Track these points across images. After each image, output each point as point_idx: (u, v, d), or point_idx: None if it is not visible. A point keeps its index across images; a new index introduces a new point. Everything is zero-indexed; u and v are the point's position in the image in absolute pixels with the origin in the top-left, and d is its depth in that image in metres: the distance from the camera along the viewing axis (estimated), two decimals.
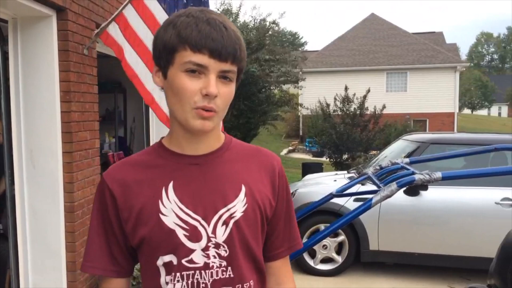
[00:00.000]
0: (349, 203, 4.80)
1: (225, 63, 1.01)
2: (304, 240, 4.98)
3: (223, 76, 1.03)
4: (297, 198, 5.15)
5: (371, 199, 1.89)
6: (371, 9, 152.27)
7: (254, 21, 12.95)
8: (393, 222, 4.87)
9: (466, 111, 51.06)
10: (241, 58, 1.05)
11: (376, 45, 26.40)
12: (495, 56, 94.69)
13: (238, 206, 1.09)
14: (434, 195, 4.67)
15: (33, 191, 3.42)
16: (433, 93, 24.16)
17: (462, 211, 4.78)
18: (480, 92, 52.44)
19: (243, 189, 1.11)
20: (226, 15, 12.47)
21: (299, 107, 16.70)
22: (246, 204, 1.10)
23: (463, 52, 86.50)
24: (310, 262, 5.02)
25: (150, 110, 6.45)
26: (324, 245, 4.97)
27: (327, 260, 5.07)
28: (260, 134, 17.19)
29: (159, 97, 3.63)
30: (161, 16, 3.66)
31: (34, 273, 3.47)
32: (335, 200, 4.20)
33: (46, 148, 3.39)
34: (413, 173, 1.98)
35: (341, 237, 4.97)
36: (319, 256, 5.01)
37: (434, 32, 32.27)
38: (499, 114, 59.05)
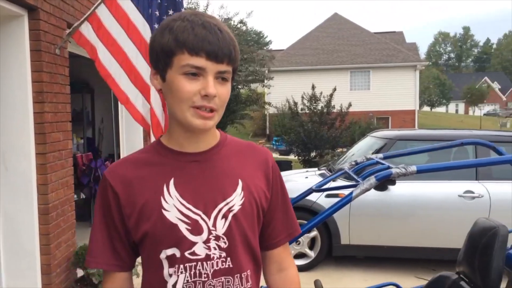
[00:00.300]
0: (321, 200, 4.93)
1: (222, 64, 1.07)
2: None
3: (220, 77, 1.08)
4: None
5: (351, 192, 1.98)
6: (334, 8, 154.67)
7: (221, 20, 12.97)
8: (363, 216, 5.02)
9: (426, 108, 52.73)
10: (236, 58, 1.11)
11: (340, 44, 26.91)
12: (452, 55, 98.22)
13: (236, 200, 1.15)
14: (401, 189, 4.85)
15: (5, 193, 3.35)
16: (395, 91, 24.86)
17: (427, 205, 4.99)
18: (439, 90, 54.27)
19: (240, 183, 1.17)
20: None
21: (267, 106, 16.82)
22: (243, 198, 1.16)
23: (422, 51, 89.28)
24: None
25: (120, 110, 6.39)
26: (297, 241, 5.08)
27: (300, 255, 5.18)
28: (228, 133, 17.21)
29: (134, 97, 3.63)
30: (134, 15, 3.65)
31: (8, 277, 3.40)
32: (307, 197, 4.31)
33: (18, 149, 3.32)
34: (389, 167, 2.08)
35: (314, 233, 5.09)
36: (293, 252, 5.11)
37: (394, 32, 33.18)
38: (456, 111, 61.32)
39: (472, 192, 4.91)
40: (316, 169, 6.52)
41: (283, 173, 6.87)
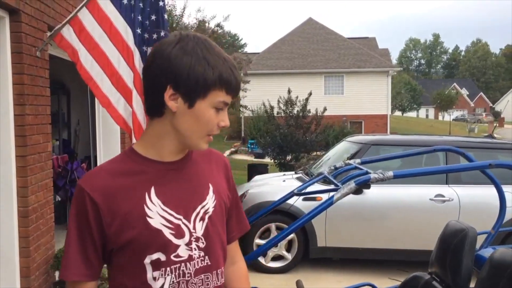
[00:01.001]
0: (298, 203, 5.03)
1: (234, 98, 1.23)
2: (256, 240, 5.16)
3: None
4: (249, 199, 5.31)
5: (332, 196, 2.08)
6: (309, 13, 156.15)
7: (197, 23, 12.97)
8: (339, 219, 5.15)
9: (398, 113, 53.86)
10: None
11: (314, 49, 27.25)
12: (422, 61, 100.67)
13: (210, 203, 1.26)
14: (376, 193, 5.01)
15: None
16: (368, 96, 25.35)
17: (400, 208, 5.17)
18: (410, 95, 55.52)
19: (211, 187, 1.28)
20: (168, 17, 12.41)
21: (242, 109, 16.89)
22: (215, 201, 1.27)
23: (394, 57, 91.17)
24: (262, 260, 5.19)
25: (97, 112, 6.35)
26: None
27: (277, 257, 5.27)
28: None
29: (116, 100, 3.65)
30: (117, 19, 3.68)
31: None
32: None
33: None
34: (367, 173, 2.19)
35: (291, 235, 5.19)
36: (270, 254, 5.20)
37: (367, 38, 33.83)
38: (427, 116, 62.88)
39: (443, 196, 5.10)
40: (293, 172, 6.63)
41: (261, 176, 6.97)
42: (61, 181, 6.23)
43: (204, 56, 1.16)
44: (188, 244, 1.21)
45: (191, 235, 1.21)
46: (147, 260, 1.17)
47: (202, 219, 1.23)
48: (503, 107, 69.44)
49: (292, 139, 11.78)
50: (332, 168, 2.74)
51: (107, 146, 6.47)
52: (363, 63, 26.02)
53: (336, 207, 4.98)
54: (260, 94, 18.71)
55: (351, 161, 2.68)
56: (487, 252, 2.46)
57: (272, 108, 12.98)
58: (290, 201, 4.99)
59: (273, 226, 5.15)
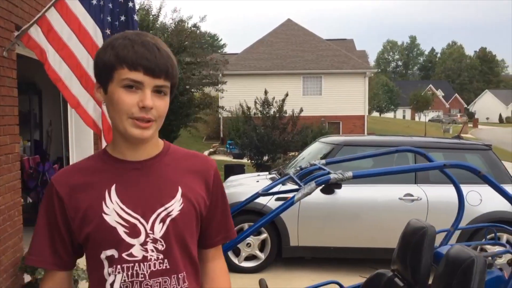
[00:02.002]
0: (271, 203, 5.08)
1: (159, 79, 1.19)
2: None
3: (157, 91, 1.20)
4: None
5: (293, 196, 2.13)
6: (287, 14, 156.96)
7: (174, 23, 12.93)
8: (311, 219, 5.22)
9: (375, 114, 54.59)
10: (173, 74, 1.24)
11: (293, 50, 27.41)
12: (400, 63, 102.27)
13: (175, 206, 1.25)
14: (347, 193, 5.08)
15: None
16: (346, 97, 25.61)
17: (371, 207, 5.27)
18: (387, 96, 56.35)
19: (180, 190, 1.27)
20: (145, 16, 12.33)
21: (220, 110, 16.89)
22: (182, 204, 1.26)
23: (372, 59, 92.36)
24: (235, 260, 5.23)
25: (69, 112, 6.28)
26: (247, 243, 5.21)
27: (250, 257, 5.31)
28: (181, 137, 17.12)
29: (86, 101, 3.63)
30: (86, 20, 3.66)
31: None
32: (258, 200, 4.46)
33: None
34: (328, 173, 2.25)
35: (264, 235, 5.24)
36: (243, 254, 5.24)
37: (345, 39, 34.19)
38: (404, 116, 63.94)
39: (412, 195, 5.23)
40: (267, 173, 6.68)
41: (236, 177, 7.00)
42: (33, 182, 6.14)
43: (111, 42, 1.21)
44: (143, 244, 1.21)
45: (147, 235, 1.21)
46: (102, 256, 1.21)
47: (163, 221, 1.23)
48: (477, 108, 71.16)
49: (269, 139, 11.85)
50: (298, 168, 2.79)
51: (80, 147, 6.40)
52: (341, 64, 26.29)
53: (308, 207, 5.11)
54: (239, 95, 18.73)
55: (316, 162, 2.74)
56: (445, 249, 2.54)
57: (249, 108, 13.02)
58: (263, 201, 5.03)
59: (246, 225, 5.18)
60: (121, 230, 1.20)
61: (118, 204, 1.22)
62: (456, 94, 74.40)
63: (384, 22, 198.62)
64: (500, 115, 68.43)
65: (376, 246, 5.25)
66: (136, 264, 1.21)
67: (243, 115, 13.51)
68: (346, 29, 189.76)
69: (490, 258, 2.65)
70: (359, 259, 5.53)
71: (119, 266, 1.21)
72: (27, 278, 3.88)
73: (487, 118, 68.65)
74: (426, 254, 2.50)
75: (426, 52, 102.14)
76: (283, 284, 4.92)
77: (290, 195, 2.27)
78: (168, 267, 1.23)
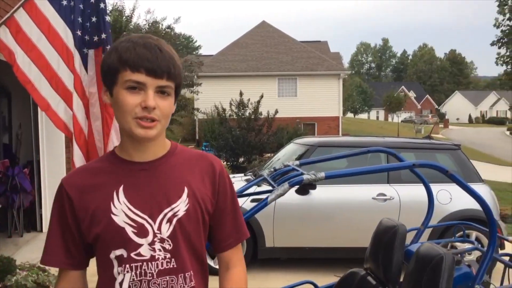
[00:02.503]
0: (246, 204, 5.09)
1: (161, 79, 1.21)
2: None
3: (160, 91, 1.22)
4: None
5: (267, 197, 2.15)
6: (262, 16, 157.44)
7: (148, 25, 12.81)
8: (286, 220, 5.26)
9: (349, 115, 55.31)
10: (176, 74, 1.25)
11: (268, 52, 27.54)
12: (373, 65, 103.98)
13: (181, 206, 1.27)
14: (321, 193, 5.13)
15: None
16: (320, 98, 25.88)
17: (344, 207, 5.34)
18: (361, 97, 57.18)
19: (186, 190, 1.29)
20: (118, 17, 12.19)
21: (195, 112, 16.82)
22: (188, 204, 1.28)
23: (346, 61, 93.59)
24: (210, 262, 5.20)
25: (40, 115, 6.15)
26: None
27: None
28: None
29: (56, 103, 3.56)
30: (56, 21, 3.59)
31: None
32: None
33: None
34: (302, 174, 2.27)
35: None
36: None
37: (319, 41, 34.54)
38: (377, 117, 65.04)
39: (384, 195, 5.32)
40: (243, 174, 6.69)
41: None
42: (1, 187, 5.98)
43: (116, 45, 1.24)
44: (151, 244, 1.24)
45: (154, 235, 1.24)
46: (112, 255, 1.24)
47: (170, 221, 1.25)
48: (447, 109, 72.93)
49: (244, 141, 11.87)
50: (272, 170, 2.80)
51: (51, 150, 6.28)
52: (315, 66, 26.55)
53: (283, 208, 5.14)
54: (214, 97, 18.68)
55: (290, 163, 2.76)
56: (415, 247, 2.60)
57: (224, 110, 13.01)
58: (239, 203, 5.03)
59: None
60: (129, 230, 1.23)
61: (126, 204, 1.24)
62: (428, 95, 76.15)
63: (358, 24, 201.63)
64: (470, 116, 70.38)
65: (351, 245, 5.31)
66: (144, 263, 1.23)
67: (219, 116, 13.49)
68: (321, 31, 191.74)
69: (458, 255, 2.73)
70: (334, 258, 5.59)
71: (127, 266, 1.23)
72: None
73: (457, 119, 70.49)
74: (397, 252, 2.55)
75: (398, 54, 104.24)
76: (259, 285, 4.93)
77: (265, 196, 2.28)
78: (175, 266, 1.25)
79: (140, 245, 1.23)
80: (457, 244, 4.82)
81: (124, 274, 1.23)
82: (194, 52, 49.33)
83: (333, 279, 5.10)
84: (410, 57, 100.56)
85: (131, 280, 1.23)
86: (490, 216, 2.22)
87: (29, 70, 3.53)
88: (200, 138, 23.73)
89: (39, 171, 6.27)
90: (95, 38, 3.62)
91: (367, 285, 2.66)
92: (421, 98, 73.70)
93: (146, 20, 12.78)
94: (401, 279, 2.55)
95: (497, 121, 63.15)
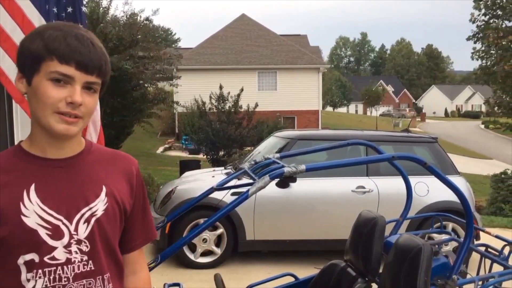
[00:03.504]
0: (227, 198, 5.07)
1: (91, 75, 1.14)
2: (184, 234, 5.14)
3: (88, 87, 1.15)
4: (177, 195, 5.28)
5: (248, 190, 2.14)
6: (242, 9, 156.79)
7: (126, 16, 12.59)
8: (266, 213, 5.27)
9: (329, 108, 55.72)
10: (106, 72, 1.19)
11: (248, 45, 27.46)
12: (352, 59, 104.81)
13: (100, 205, 1.21)
14: (301, 186, 5.16)
15: None
16: (300, 92, 25.98)
17: (324, 200, 5.38)
18: (340, 91, 57.62)
19: (104, 189, 1.23)
20: (95, 8, 11.95)
21: (175, 105, 16.68)
22: (107, 204, 1.22)
23: (325, 54, 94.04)
24: (191, 256, 5.19)
25: (14, 108, 5.98)
26: (204, 239, 5.18)
27: (206, 253, 5.29)
28: (135, 132, 16.75)
29: None
30: (30, 11, 3.50)
31: None
32: (214, 195, 4.44)
33: None
34: (282, 167, 2.27)
35: (220, 230, 5.23)
36: (199, 250, 5.21)
37: (299, 35, 34.61)
38: (356, 111, 65.68)
39: (364, 187, 5.38)
40: (223, 168, 6.67)
41: (191, 172, 6.95)
42: None
43: (41, 31, 1.14)
44: (67, 246, 1.16)
45: (71, 237, 1.16)
46: (20, 261, 1.13)
47: (88, 221, 1.18)
48: (424, 103, 74.15)
49: (224, 135, 11.84)
50: (253, 162, 2.79)
51: None
52: (295, 59, 26.61)
53: (264, 201, 5.15)
54: (194, 90, 18.53)
55: (270, 156, 2.76)
56: (394, 238, 2.64)
57: (204, 104, 12.94)
58: (219, 197, 5.01)
59: (201, 221, 5.14)
60: (42, 232, 1.13)
61: (38, 204, 1.14)
62: (405, 90, 77.21)
63: (337, 18, 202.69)
64: (446, 109, 71.75)
65: (330, 237, 5.36)
66: (59, 267, 1.15)
67: (198, 110, 13.41)
68: (300, 25, 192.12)
69: (436, 246, 2.77)
70: (314, 251, 5.64)
71: (40, 271, 1.14)
72: None
73: (434, 113, 71.80)
74: (377, 244, 2.58)
75: (377, 49, 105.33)
76: (240, 278, 4.94)
77: (245, 189, 2.27)
78: (92, 268, 1.19)
79: (54, 248, 1.14)
80: (434, 235, 4.91)
81: (36, 280, 1.13)
82: (173, 45, 48.86)
83: (313, 271, 5.14)
84: (388, 51, 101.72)
85: (44, 286, 1.14)
86: (467, 208, 2.27)
87: (3, 61, 3.43)
88: (179, 132, 23.57)
89: None
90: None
91: (347, 277, 2.69)
92: (399, 92, 74.71)
93: (124, 12, 12.57)
94: (381, 270, 2.58)
95: (472, 115, 64.62)
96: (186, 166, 9.49)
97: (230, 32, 28.57)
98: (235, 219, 5.19)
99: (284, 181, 2.23)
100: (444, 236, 4.34)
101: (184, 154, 18.74)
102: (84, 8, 3.64)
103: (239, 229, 5.24)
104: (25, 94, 1.17)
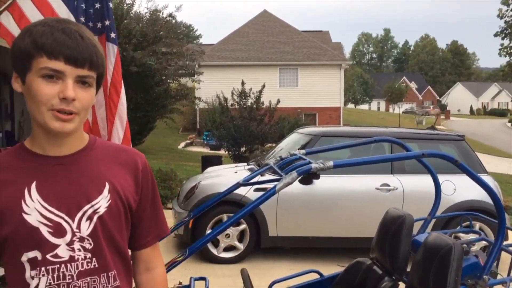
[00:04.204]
0: (250, 193, 5.08)
1: (82, 69, 1.11)
2: (208, 231, 5.17)
3: (81, 81, 1.12)
4: (200, 190, 5.31)
5: (275, 186, 2.12)
6: (263, 5, 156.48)
7: (149, 13, 12.72)
8: (289, 209, 5.25)
9: (350, 105, 55.16)
10: (98, 64, 1.16)
11: (269, 41, 27.38)
12: (374, 55, 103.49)
13: (102, 202, 1.19)
14: (325, 183, 5.13)
15: None
16: (322, 88, 25.79)
17: (348, 197, 5.33)
18: (362, 88, 56.97)
19: (107, 186, 1.21)
20: (119, 5, 12.08)
21: (197, 101, 16.79)
22: (110, 200, 1.20)
23: (347, 51, 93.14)
24: (214, 251, 5.21)
25: None
26: (226, 234, 5.20)
27: (229, 248, 5.31)
28: (157, 128, 16.94)
29: None
30: (59, 7, 3.55)
31: None
32: (236, 191, 4.45)
33: None
34: (309, 163, 2.25)
35: (243, 226, 5.24)
36: (222, 245, 5.23)
37: (321, 31, 34.34)
38: (378, 108, 64.89)
39: (388, 185, 5.30)
40: (245, 164, 6.67)
41: (213, 168, 6.97)
42: None
43: (29, 28, 1.13)
44: (70, 244, 1.15)
45: (73, 234, 1.15)
46: (24, 258, 1.14)
47: (90, 218, 1.17)
48: (448, 100, 72.76)
49: (246, 131, 11.84)
50: (278, 158, 2.78)
51: None
52: (317, 56, 26.41)
53: (287, 197, 5.13)
54: (215, 86, 18.59)
55: (296, 152, 2.74)
56: (422, 237, 2.59)
57: (226, 100, 12.96)
58: (242, 192, 5.02)
59: (224, 216, 5.17)
60: (44, 230, 1.13)
61: (39, 202, 1.14)
62: (429, 86, 75.88)
63: (359, 14, 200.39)
64: (471, 107, 70.23)
65: (353, 235, 5.32)
66: (63, 265, 1.14)
67: (220, 106, 13.44)
68: (322, 21, 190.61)
69: (465, 245, 2.71)
70: (337, 248, 5.60)
71: (43, 269, 1.14)
72: None
73: (459, 110, 70.37)
74: (405, 242, 2.54)
75: (400, 45, 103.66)
76: (262, 274, 4.94)
77: (270, 185, 2.26)
78: (97, 266, 1.18)
79: (57, 246, 1.13)
80: (460, 234, 4.82)
81: (40, 278, 1.13)
82: (195, 41, 49.07)
83: (336, 268, 5.13)
84: (412, 47, 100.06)
85: (48, 284, 1.13)
86: (500, 207, 2.21)
87: None
88: (201, 127, 23.70)
89: None
90: (99, 25, 3.58)
91: (373, 275, 2.65)
92: (423, 89, 73.47)
93: (148, 8, 12.70)
94: (408, 269, 2.54)
95: (499, 113, 63.06)
96: (208, 161, 9.53)
97: (251, 28, 28.53)
98: (258, 215, 5.19)
99: (307, 178, 2.21)
100: (472, 236, 4.25)
101: (205, 150, 18.83)
102: (111, 4, 3.67)
103: (262, 225, 5.24)
104: (22, 94, 1.16)
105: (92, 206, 1.18)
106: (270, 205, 5.13)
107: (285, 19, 29.92)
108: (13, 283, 1.16)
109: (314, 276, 3.07)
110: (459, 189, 5.19)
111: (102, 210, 1.18)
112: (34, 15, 3.47)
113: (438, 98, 76.27)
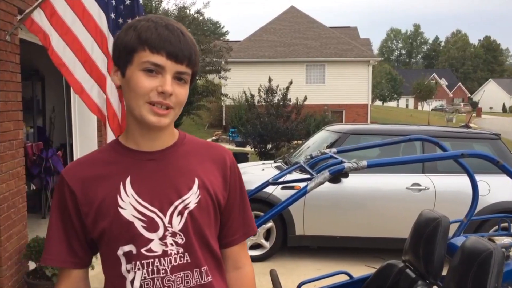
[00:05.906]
0: (276, 192, 5.03)
1: (181, 65, 1.13)
2: None
3: (178, 77, 1.14)
4: None
5: (306, 185, 2.07)
6: (290, 1, 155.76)
7: (177, 9, 12.79)
8: (317, 208, 5.17)
9: (378, 102, 54.31)
10: (196, 62, 1.17)
11: (296, 38, 27.17)
12: (403, 51, 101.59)
13: (192, 198, 1.19)
14: (353, 182, 5.04)
15: None
16: (349, 85, 25.45)
17: (377, 196, 5.21)
18: (390, 85, 56.02)
19: (196, 181, 1.21)
20: (148, 2, 12.19)
21: (223, 97, 16.82)
22: (199, 196, 1.20)
23: (375, 47, 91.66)
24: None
25: (72, 99, 6.20)
26: None
27: (256, 246, 5.27)
28: (184, 124, 17.07)
29: (90, 87, 3.56)
30: (89, 4, 3.57)
31: None
32: (264, 189, 4.42)
33: None
34: (342, 162, 2.18)
35: (269, 224, 5.20)
36: (249, 243, 5.20)
37: (349, 27, 33.88)
38: (407, 105, 63.64)
39: (419, 185, 5.16)
40: (272, 161, 6.62)
41: (240, 165, 6.95)
42: (36, 169, 6.10)
43: (133, 23, 1.16)
44: (162, 238, 1.16)
45: (165, 229, 1.16)
46: (120, 252, 1.16)
47: (181, 213, 1.18)
48: (480, 98, 70.77)
49: (273, 128, 11.77)
50: (308, 157, 2.73)
51: (84, 134, 6.34)
52: (344, 52, 26.06)
53: (314, 196, 5.04)
54: (242, 82, 18.61)
55: (327, 150, 2.67)
56: (459, 241, 2.49)
57: (252, 96, 12.92)
58: (269, 190, 4.98)
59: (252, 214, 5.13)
60: (138, 225, 1.15)
61: (134, 197, 1.16)
62: (460, 83, 73.97)
63: (388, 10, 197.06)
64: (504, 105, 68.11)
65: (382, 235, 5.20)
66: (156, 259, 1.15)
67: (247, 102, 13.41)
68: (350, 17, 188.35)
69: (504, 249, 2.59)
70: (365, 249, 5.49)
71: (138, 262, 1.15)
72: (32, 265, 3.85)
73: (491, 108, 68.37)
74: (440, 245, 2.44)
75: (430, 41, 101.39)
76: (288, 273, 4.89)
77: (301, 184, 2.21)
78: (189, 261, 1.18)
79: (150, 240, 1.15)
80: (495, 237, 4.65)
81: (135, 272, 1.15)
82: (222, 38, 49.21)
83: (364, 269, 5.04)
84: (443, 43, 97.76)
85: (143, 278, 1.15)
86: None
87: (64, 53, 3.52)
88: (227, 124, 23.76)
89: (72, 154, 6.36)
90: (129, 21, 3.58)
91: (406, 278, 2.57)
92: (453, 86, 71.66)
93: (176, 5, 12.77)
94: (444, 273, 2.45)
95: None
96: (235, 158, 9.51)
97: (278, 24, 28.38)
98: (285, 213, 5.14)
99: (336, 176, 2.15)
100: (506, 239, 4.09)
101: (231, 146, 18.87)
102: (141, 1, 3.67)
103: (289, 224, 5.19)
104: (120, 87, 1.19)
105: (183, 201, 1.18)
106: (297, 203, 5.02)
107: (312, 15, 29.62)
108: (111, 277, 1.19)
109: (343, 278, 3.01)
110: (494, 190, 5.00)
111: (192, 206, 1.19)
112: (65, 12, 3.50)
113: (469, 95, 74.30)
